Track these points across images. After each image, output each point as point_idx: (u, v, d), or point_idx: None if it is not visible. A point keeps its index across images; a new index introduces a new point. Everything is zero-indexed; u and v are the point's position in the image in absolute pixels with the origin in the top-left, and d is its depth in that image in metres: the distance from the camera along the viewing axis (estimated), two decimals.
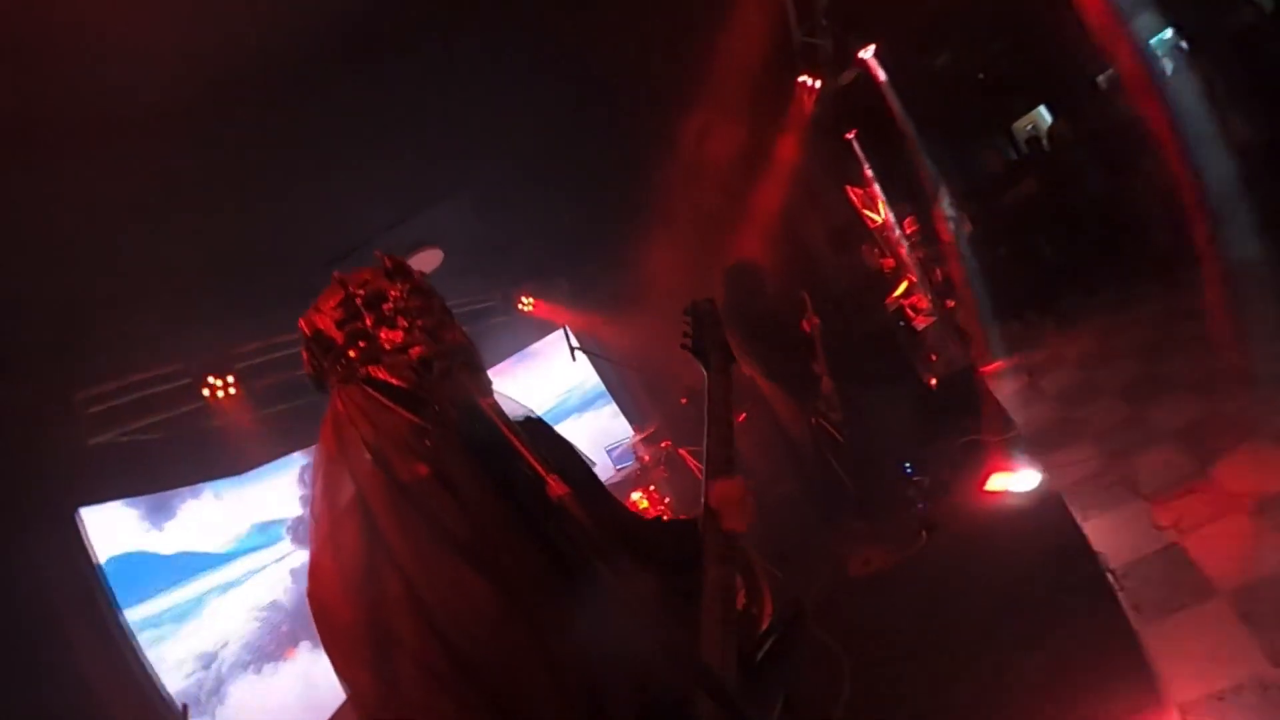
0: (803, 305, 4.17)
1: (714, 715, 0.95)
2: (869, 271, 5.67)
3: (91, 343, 3.12)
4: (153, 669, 2.84)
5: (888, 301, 5.39)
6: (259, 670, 3.44)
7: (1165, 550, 2.76)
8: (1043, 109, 6.94)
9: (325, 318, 1.06)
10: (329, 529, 0.98)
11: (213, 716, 3.04)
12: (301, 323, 1.09)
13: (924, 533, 3.76)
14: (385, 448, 0.98)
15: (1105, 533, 3.03)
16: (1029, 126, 6.94)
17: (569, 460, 1.16)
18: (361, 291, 1.07)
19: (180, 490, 3.58)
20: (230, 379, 3.58)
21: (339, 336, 1.05)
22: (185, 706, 2.56)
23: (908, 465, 4.16)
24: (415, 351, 1.04)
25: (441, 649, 0.90)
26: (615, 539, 1.10)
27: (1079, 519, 3.19)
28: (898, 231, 5.57)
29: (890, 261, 5.69)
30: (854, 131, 5.81)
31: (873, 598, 3.59)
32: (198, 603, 3.36)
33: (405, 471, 0.97)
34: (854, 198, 5.82)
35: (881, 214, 5.64)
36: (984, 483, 3.88)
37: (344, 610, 0.93)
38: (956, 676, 2.71)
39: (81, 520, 3.06)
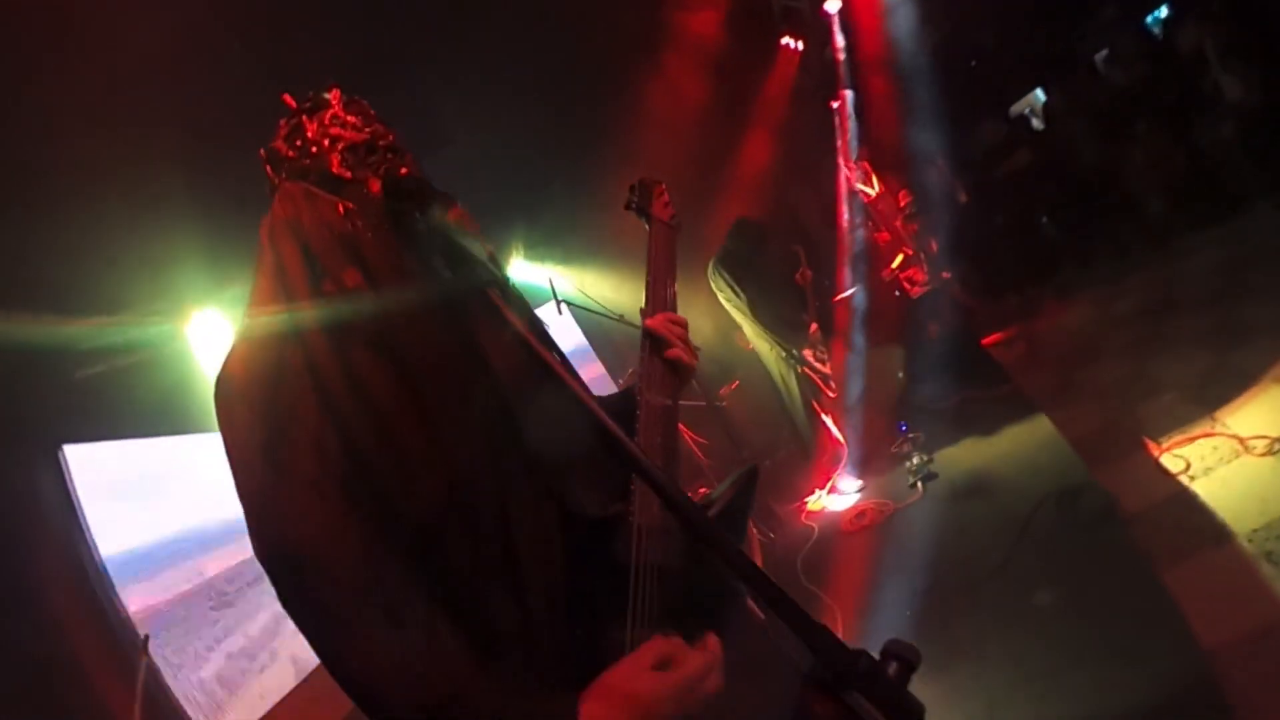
0: (797, 259, 4.19)
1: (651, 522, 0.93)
2: (865, 246, 5.67)
3: (80, 274, 3.09)
4: (122, 604, 2.80)
5: (884, 275, 5.40)
6: (243, 617, 3.38)
7: (1176, 496, 2.73)
8: (1038, 91, 6.98)
9: (277, 137, 1.06)
10: (248, 320, 0.94)
11: (188, 660, 3.02)
12: (260, 150, 1.07)
13: (920, 485, 3.73)
14: (314, 243, 0.95)
15: (1112, 482, 2.98)
16: (1027, 109, 6.98)
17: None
18: (307, 104, 1.07)
19: (168, 437, 3.53)
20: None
21: (283, 147, 1.04)
22: (145, 637, 2.49)
23: (902, 423, 4.15)
24: (349, 137, 1.02)
25: (337, 436, 0.85)
26: (546, 343, 1.07)
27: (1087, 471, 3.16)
28: (891, 205, 5.58)
29: (885, 235, 5.70)
30: (841, 97, 5.82)
31: (868, 548, 3.55)
32: (176, 547, 3.32)
33: (332, 274, 0.93)
34: (847, 171, 5.83)
35: (875, 186, 5.65)
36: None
37: (247, 389, 0.89)
38: (965, 614, 2.66)
39: (65, 456, 3.00)
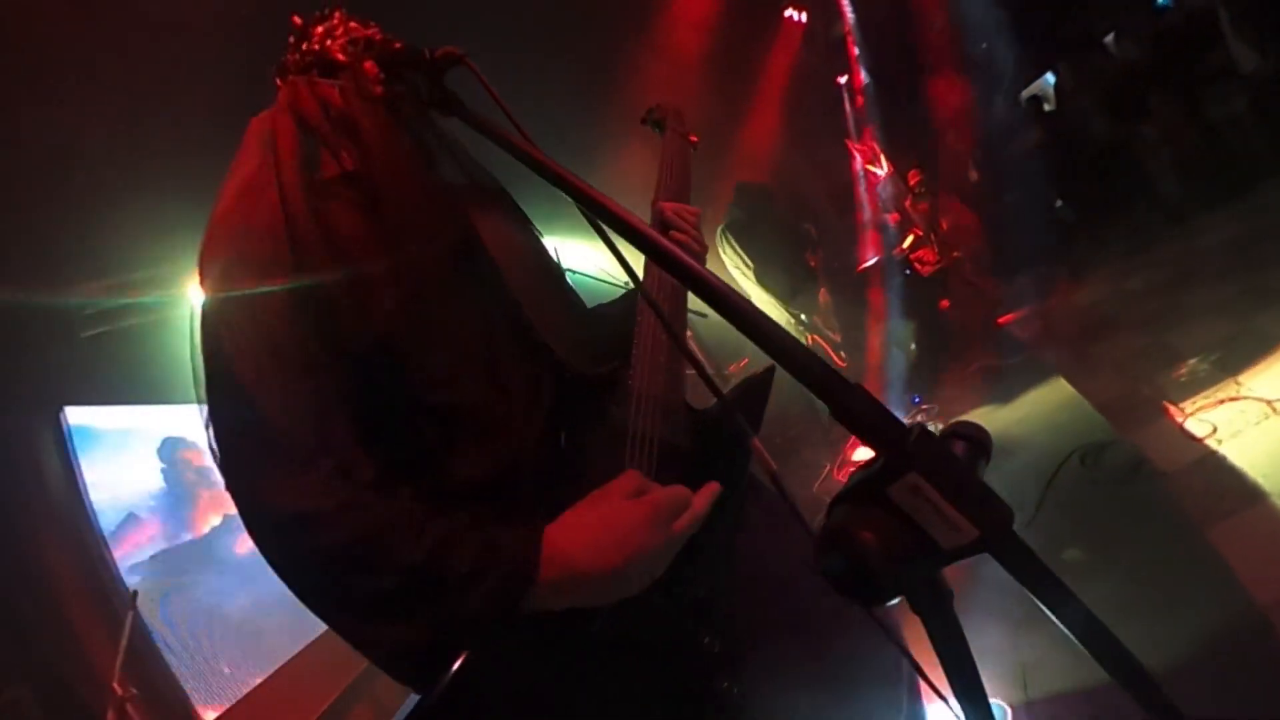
0: (808, 234, 4.12)
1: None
2: (874, 227, 5.60)
3: (85, 239, 3.07)
4: (113, 560, 2.83)
5: (894, 254, 5.32)
6: (237, 581, 3.36)
7: (1204, 459, 2.63)
8: (1049, 75, 6.90)
9: (285, 53, 1.05)
10: (231, 199, 0.92)
11: (182, 621, 3.04)
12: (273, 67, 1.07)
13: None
14: (312, 121, 0.93)
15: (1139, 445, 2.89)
16: (1037, 92, 6.90)
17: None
18: (315, 16, 1.05)
19: (168, 406, 3.50)
20: None
21: (290, 56, 1.03)
22: (134, 593, 2.57)
23: (915, 395, 4.08)
24: (353, 34, 1.00)
25: (306, 295, 0.83)
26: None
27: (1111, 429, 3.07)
28: (901, 185, 5.51)
29: (895, 216, 5.62)
30: (846, 76, 5.75)
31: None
32: (175, 510, 3.30)
33: (330, 152, 0.92)
34: (856, 153, 5.75)
35: (884, 167, 5.57)
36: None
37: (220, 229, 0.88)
38: (990, 575, 2.56)
39: (65, 419, 2.98)
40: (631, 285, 0.93)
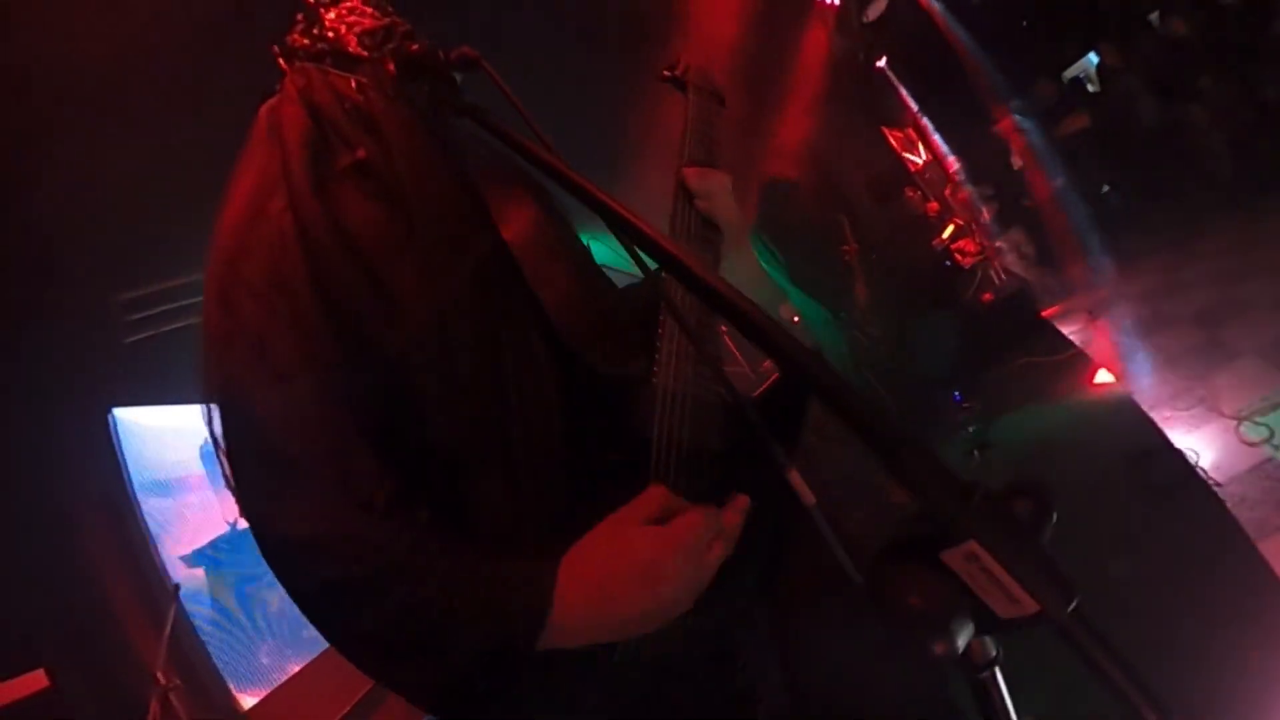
0: (841, 230, 4.04)
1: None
2: (913, 217, 5.46)
3: (135, 244, 3.15)
4: (160, 558, 2.92)
5: (934, 244, 5.18)
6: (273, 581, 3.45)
7: (1261, 466, 2.55)
8: (1091, 55, 6.62)
9: (292, 30, 1.02)
10: (238, 200, 0.90)
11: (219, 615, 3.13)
12: (273, 45, 1.03)
13: (975, 453, 3.58)
14: (326, 112, 0.89)
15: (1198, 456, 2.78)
16: (1080, 73, 6.63)
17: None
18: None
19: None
20: None
21: (299, 38, 0.99)
22: (177, 586, 2.66)
23: (956, 392, 3.98)
24: (367, 24, 0.97)
25: (325, 302, 0.79)
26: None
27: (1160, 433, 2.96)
28: (940, 173, 5.37)
29: (935, 205, 5.47)
30: (884, 60, 5.57)
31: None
32: (217, 505, 3.39)
33: (345, 145, 0.88)
34: (892, 140, 5.61)
35: (923, 155, 5.43)
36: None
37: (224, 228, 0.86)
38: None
39: (114, 420, 3.07)
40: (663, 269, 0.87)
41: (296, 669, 3.32)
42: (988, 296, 4.86)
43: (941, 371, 4.24)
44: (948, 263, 5.06)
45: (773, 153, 5.16)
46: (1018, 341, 4.36)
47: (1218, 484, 2.52)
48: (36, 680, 2.27)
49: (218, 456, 0.80)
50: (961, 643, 0.45)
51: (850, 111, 5.67)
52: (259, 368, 0.77)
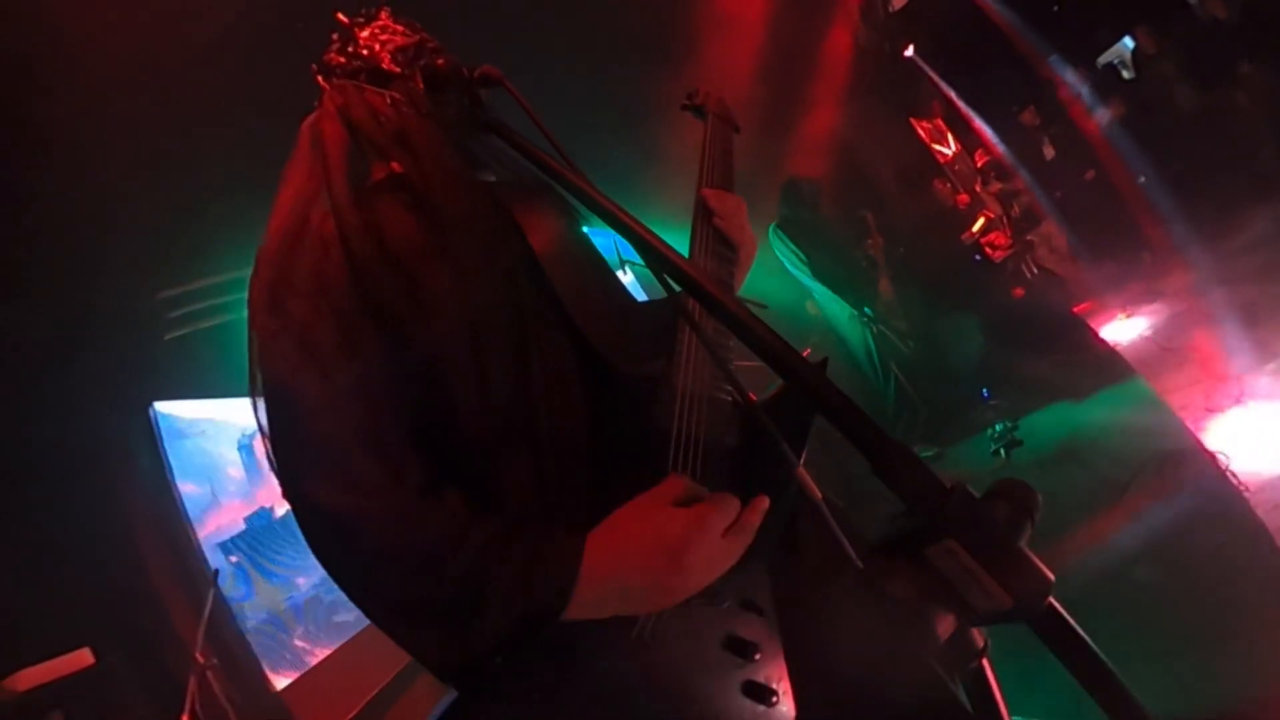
0: (865, 223, 3.99)
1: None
2: (942, 210, 5.37)
3: (175, 245, 3.25)
4: (199, 545, 3.01)
5: (964, 238, 5.10)
6: (305, 566, 3.56)
7: None
8: (1126, 39, 6.37)
9: (329, 50, 1.08)
10: (284, 207, 0.95)
11: (252, 599, 3.22)
12: (313, 64, 1.09)
13: (1003, 453, 3.52)
14: (363, 128, 0.96)
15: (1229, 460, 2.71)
16: (1115, 59, 6.40)
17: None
18: (360, 18, 1.09)
19: (248, 399, 3.70)
20: None
21: (335, 56, 1.06)
22: (216, 571, 2.75)
23: (985, 389, 3.92)
24: (399, 41, 1.04)
25: (364, 301, 0.85)
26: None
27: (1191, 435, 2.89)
28: (969, 164, 5.26)
29: (965, 197, 5.38)
30: (910, 49, 5.47)
31: None
32: (254, 494, 3.49)
33: (380, 158, 0.96)
34: (921, 132, 5.52)
35: (952, 146, 5.34)
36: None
37: (271, 243, 0.91)
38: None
39: (154, 414, 3.18)
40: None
41: (326, 654, 3.43)
42: (1018, 292, 4.78)
43: (970, 368, 4.18)
44: (978, 257, 4.98)
45: (798, 146, 5.12)
46: (1048, 338, 4.28)
47: (1247, 488, 2.46)
48: (82, 658, 2.39)
49: (262, 443, 0.85)
50: (942, 631, 0.47)
51: (877, 103, 5.59)
52: (303, 360, 0.82)
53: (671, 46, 4.33)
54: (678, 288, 0.79)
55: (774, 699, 0.83)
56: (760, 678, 0.84)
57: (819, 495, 0.82)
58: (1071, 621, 0.46)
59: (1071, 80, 5.70)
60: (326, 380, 0.82)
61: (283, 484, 0.82)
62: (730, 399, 0.92)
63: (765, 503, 0.81)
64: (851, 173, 5.32)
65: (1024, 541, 0.48)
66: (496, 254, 0.92)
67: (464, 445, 0.85)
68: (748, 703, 0.82)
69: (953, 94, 5.57)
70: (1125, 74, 6.11)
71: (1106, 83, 5.84)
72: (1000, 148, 5.48)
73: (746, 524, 0.78)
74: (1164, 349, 3.97)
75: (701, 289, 0.67)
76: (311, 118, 1.01)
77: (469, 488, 0.82)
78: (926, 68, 5.55)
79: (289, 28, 2.82)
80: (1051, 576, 0.46)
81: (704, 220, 1.07)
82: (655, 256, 0.70)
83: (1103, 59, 6.33)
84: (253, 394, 0.87)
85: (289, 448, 0.83)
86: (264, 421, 0.85)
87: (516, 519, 0.81)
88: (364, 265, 0.86)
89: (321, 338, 0.83)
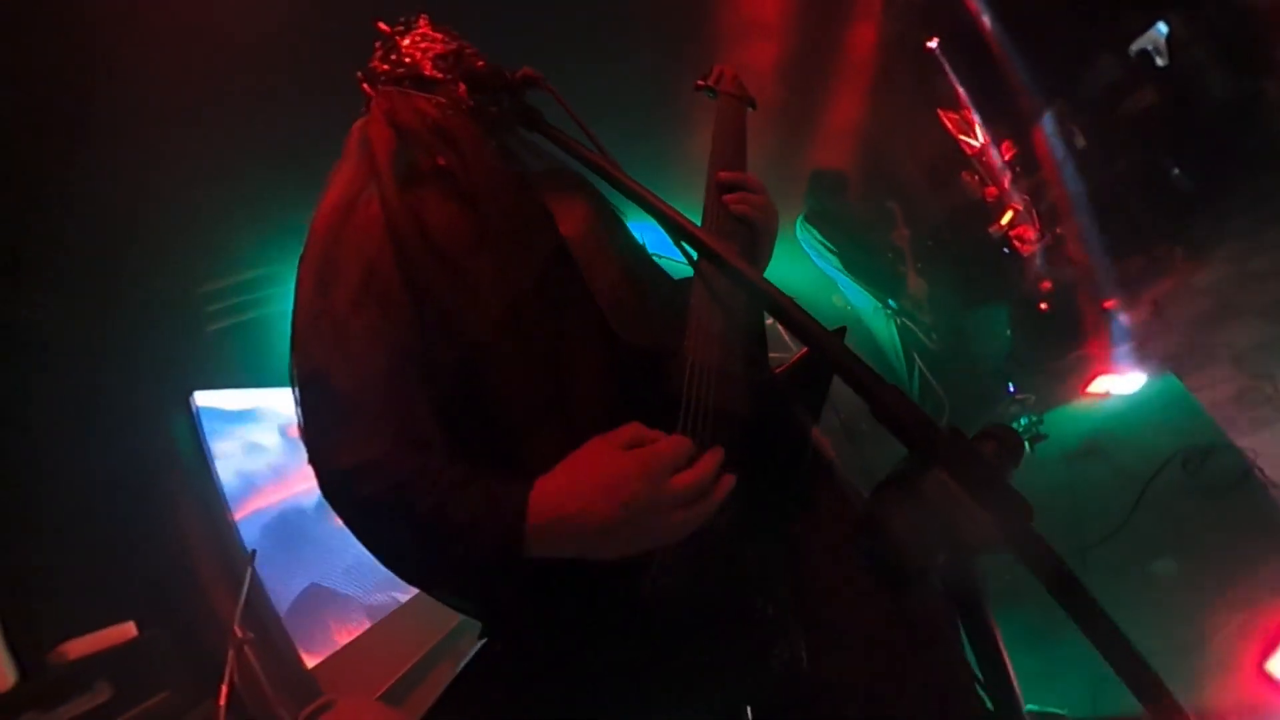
0: (891, 214, 3.98)
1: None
2: (970, 202, 5.32)
3: (215, 240, 3.35)
4: (237, 527, 3.14)
5: (991, 230, 5.04)
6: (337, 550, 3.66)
7: None
8: (1160, 25, 6.19)
9: (373, 58, 1.14)
10: (332, 193, 1.01)
11: (286, 582, 3.33)
12: (358, 72, 1.15)
13: (1027, 446, 3.50)
14: (409, 127, 1.01)
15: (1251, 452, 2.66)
16: (1149, 45, 6.22)
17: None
18: (400, 26, 1.15)
19: (284, 389, 3.82)
20: None
21: (378, 64, 1.12)
22: (253, 552, 2.83)
23: (1010, 383, 3.90)
24: (438, 49, 1.10)
25: (406, 281, 0.90)
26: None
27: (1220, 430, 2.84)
28: (997, 157, 5.20)
29: (993, 190, 5.32)
30: (935, 40, 5.42)
31: None
32: (289, 480, 3.60)
33: (425, 155, 1.00)
34: (948, 123, 5.48)
35: (979, 138, 5.28)
36: (1086, 386, 3.59)
37: (317, 229, 0.97)
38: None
39: (194, 403, 3.29)
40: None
41: (356, 634, 3.53)
42: (1046, 285, 4.73)
43: (996, 362, 4.16)
44: (1006, 250, 4.93)
45: (823, 139, 5.09)
46: (1076, 332, 4.24)
47: (1275, 485, 2.41)
48: (126, 631, 2.50)
49: (297, 421, 0.91)
50: (937, 559, 0.51)
51: (902, 94, 5.55)
52: (341, 334, 0.88)
53: (695, 43, 4.36)
54: (695, 255, 0.83)
55: (788, 657, 0.87)
56: (774, 636, 0.87)
57: (831, 454, 0.85)
58: (1079, 580, 0.49)
59: (1104, 68, 5.57)
60: (361, 353, 0.87)
61: (309, 449, 0.88)
62: (741, 371, 0.95)
63: (730, 481, 0.82)
64: (878, 164, 5.28)
65: (1008, 478, 0.51)
66: (532, 242, 0.97)
67: (496, 426, 0.90)
68: (760, 661, 0.86)
69: (980, 84, 5.51)
70: (1159, 61, 5.96)
71: (1140, 70, 5.70)
72: (1030, 139, 5.40)
73: (702, 478, 0.79)
74: (1195, 344, 3.89)
75: (720, 257, 0.71)
76: (359, 123, 1.07)
77: (500, 462, 0.86)
78: (952, 59, 5.49)
79: (329, 31, 2.91)
80: (1031, 506, 0.49)
81: (715, 199, 1.10)
82: (685, 235, 0.75)
83: (1136, 45, 6.17)
84: (291, 367, 0.92)
85: (315, 412, 0.88)
86: (298, 393, 0.90)
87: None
88: (408, 250, 0.91)
89: (362, 315, 0.88)
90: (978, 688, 0.61)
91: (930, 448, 0.51)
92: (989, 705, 0.60)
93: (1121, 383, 3.61)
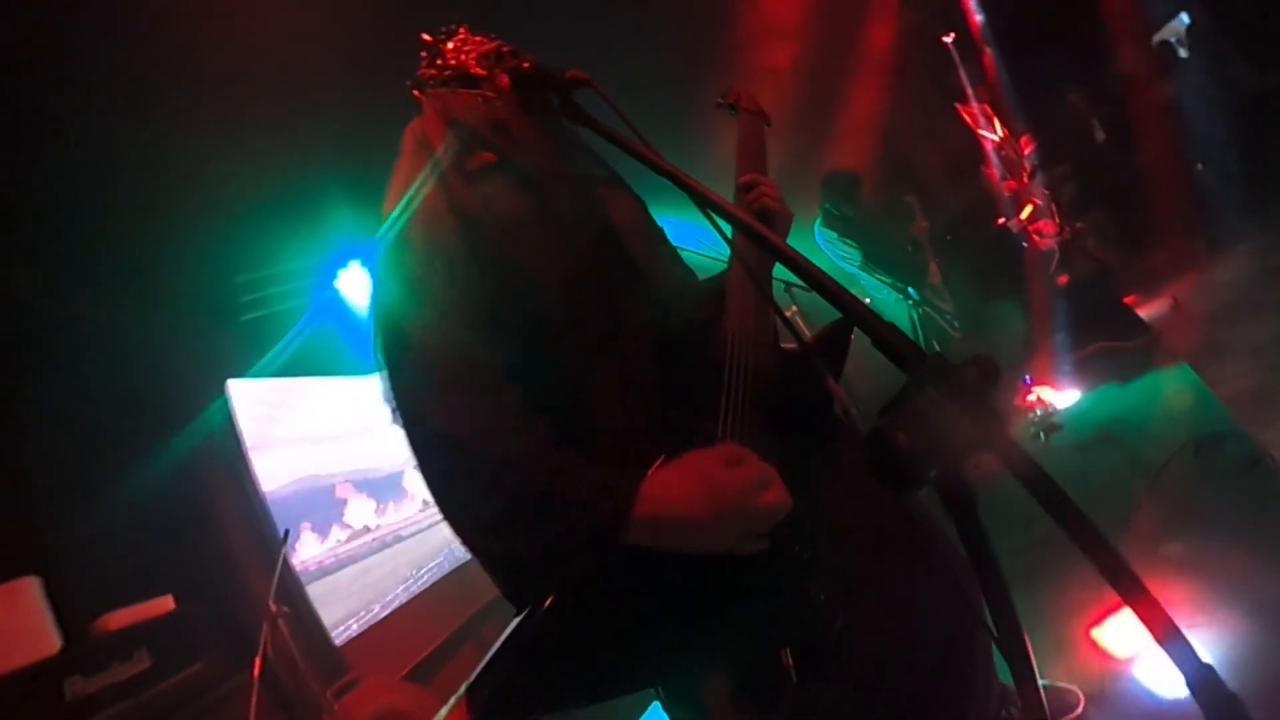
0: (910, 209, 4.01)
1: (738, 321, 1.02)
2: (989, 196, 5.32)
3: (243, 238, 3.47)
4: (269, 510, 3.27)
5: (1011, 224, 5.04)
6: (365, 534, 3.77)
7: None
8: (1182, 15, 6.09)
9: (420, 68, 1.24)
10: (396, 189, 1.11)
11: (317, 563, 3.46)
12: (407, 82, 1.25)
13: (1042, 436, 3.52)
14: (464, 120, 1.11)
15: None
16: (1171, 36, 6.15)
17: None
18: (442, 35, 1.24)
19: (315, 378, 3.96)
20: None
21: (425, 71, 1.21)
22: (286, 532, 2.96)
23: (1027, 375, 3.91)
24: (480, 49, 1.17)
25: (473, 257, 1.00)
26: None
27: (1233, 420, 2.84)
28: (1016, 150, 5.19)
29: (1013, 184, 5.30)
30: (952, 36, 5.42)
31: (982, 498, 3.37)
32: (319, 468, 3.71)
33: (481, 146, 1.10)
34: (967, 116, 5.47)
35: (999, 131, 5.27)
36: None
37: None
38: (1082, 566, 2.45)
39: (229, 390, 3.41)
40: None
41: (383, 615, 3.63)
42: (1064, 279, 4.72)
43: (1013, 354, 4.16)
44: (1025, 244, 4.93)
45: (843, 133, 5.12)
46: (1095, 325, 4.23)
47: None
48: (165, 604, 2.64)
49: (383, 384, 1.00)
50: (932, 463, 0.57)
51: (921, 88, 5.57)
52: (418, 305, 0.98)
53: (715, 49, 4.42)
54: (729, 233, 0.93)
55: (821, 593, 0.94)
56: (810, 579, 0.94)
57: (845, 401, 0.95)
58: (1060, 485, 0.56)
59: (1124, 59, 5.52)
60: (438, 320, 0.97)
61: (398, 407, 0.96)
62: (771, 338, 1.08)
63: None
64: (896, 158, 5.31)
65: (990, 399, 0.58)
66: (586, 224, 1.09)
67: (560, 381, 1.00)
68: (798, 604, 0.93)
69: (998, 77, 5.50)
70: (1181, 52, 5.89)
71: (1161, 61, 5.65)
72: (1048, 132, 5.38)
73: (782, 499, 0.88)
74: (1214, 338, 3.87)
75: (759, 234, 0.80)
76: (414, 123, 1.18)
77: (561, 417, 0.95)
78: (970, 52, 5.50)
79: (366, 34, 3.00)
80: (1010, 417, 0.56)
81: (740, 200, 1.24)
82: (725, 214, 0.83)
83: (1158, 36, 6.10)
84: (380, 340, 1.02)
85: (404, 371, 0.97)
86: (382, 357, 1.00)
87: (600, 449, 0.95)
88: (476, 228, 1.02)
89: (435, 284, 0.99)
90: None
91: (920, 369, 0.58)
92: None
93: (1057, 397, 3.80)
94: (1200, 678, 0.54)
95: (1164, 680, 1.77)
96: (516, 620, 0.88)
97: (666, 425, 0.95)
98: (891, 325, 0.66)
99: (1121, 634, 1.95)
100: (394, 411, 0.96)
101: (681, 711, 0.97)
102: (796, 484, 0.94)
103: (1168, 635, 0.54)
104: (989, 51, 5.64)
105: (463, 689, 0.83)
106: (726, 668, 0.92)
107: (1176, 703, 1.72)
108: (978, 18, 5.58)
